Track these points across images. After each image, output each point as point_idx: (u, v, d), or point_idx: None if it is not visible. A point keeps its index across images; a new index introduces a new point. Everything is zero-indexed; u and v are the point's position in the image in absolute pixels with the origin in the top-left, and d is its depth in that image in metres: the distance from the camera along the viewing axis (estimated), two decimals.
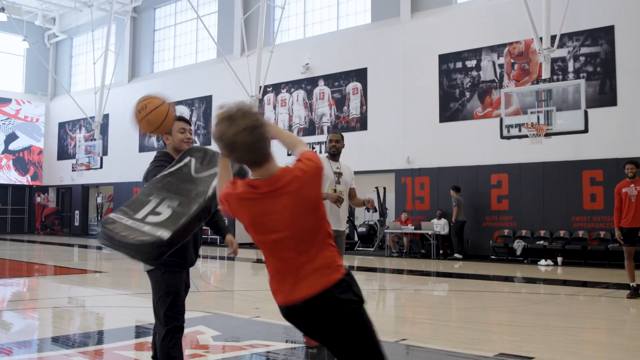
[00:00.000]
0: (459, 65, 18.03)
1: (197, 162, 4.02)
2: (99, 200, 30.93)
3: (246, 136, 2.73)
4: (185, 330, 6.57)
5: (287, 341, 6.41)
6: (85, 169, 26.28)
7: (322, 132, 20.92)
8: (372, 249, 19.57)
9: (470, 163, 17.61)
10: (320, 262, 2.76)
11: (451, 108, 18.10)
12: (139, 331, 7.07)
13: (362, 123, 20.07)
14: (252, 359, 5.66)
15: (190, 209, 3.70)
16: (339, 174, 6.56)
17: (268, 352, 5.89)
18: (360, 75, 20.23)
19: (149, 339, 6.40)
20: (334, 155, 6.64)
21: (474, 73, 17.75)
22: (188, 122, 4.52)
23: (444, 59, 18.35)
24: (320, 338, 2.84)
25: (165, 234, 3.50)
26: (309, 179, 2.87)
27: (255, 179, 2.83)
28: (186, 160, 4.02)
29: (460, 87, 17.97)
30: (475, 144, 17.50)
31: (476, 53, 17.74)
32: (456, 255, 17.11)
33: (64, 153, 32.87)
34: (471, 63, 17.80)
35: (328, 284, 2.71)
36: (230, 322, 7.27)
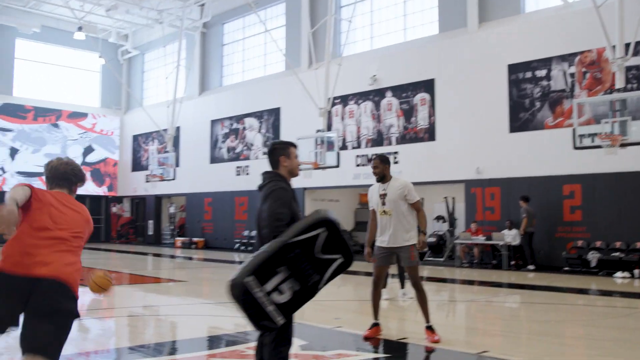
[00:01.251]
0: (529, 75, 17.90)
1: (326, 238, 4.19)
2: (172, 210, 31.85)
3: None
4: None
5: (373, 351, 6.61)
6: (159, 180, 27.16)
7: (390, 143, 21.06)
8: (442, 259, 19.57)
9: (541, 173, 17.44)
10: None
11: (521, 118, 17.98)
12: (213, 341, 7.35)
13: (430, 134, 20.13)
14: None
15: (304, 299, 4.13)
16: (383, 196, 7.10)
17: None
18: (428, 86, 20.30)
19: (223, 349, 6.71)
20: (380, 179, 7.16)
21: (544, 83, 17.59)
22: None
23: (513, 68, 18.26)
24: None
25: (281, 321, 4.00)
26: None
27: None
28: (319, 230, 4.16)
29: (530, 97, 17.84)
30: (547, 154, 17.32)
31: (546, 62, 17.59)
32: (529, 266, 16.94)
33: (137, 165, 34.01)
34: (541, 72, 17.65)
35: None
36: (314, 332, 7.51)
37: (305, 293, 4.11)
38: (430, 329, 7.00)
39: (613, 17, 14.42)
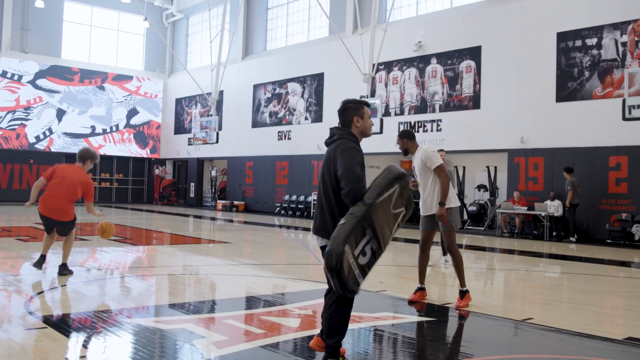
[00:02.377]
0: (579, 43, 17.52)
1: (398, 193, 4.30)
2: (214, 173, 32.26)
3: None
4: (319, 300, 7.02)
5: (416, 314, 6.71)
6: (202, 144, 27.48)
7: (433, 111, 20.91)
8: (482, 229, 19.51)
9: (587, 144, 17.17)
10: None
11: (569, 87, 17.65)
12: (253, 301, 7.50)
13: (475, 102, 19.92)
14: (386, 330, 5.99)
15: (378, 257, 4.24)
16: (413, 168, 7.32)
17: (401, 323, 6.22)
18: (474, 53, 20.03)
19: (260, 310, 6.86)
20: (406, 153, 7.25)
21: (595, 51, 17.20)
22: None
23: (562, 36, 17.88)
24: None
25: (358, 290, 4.13)
26: None
27: None
28: (395, 187, 4.28)
29: (579, 66, 17.48)
30: (594, 124, 17.03)
31: (597, 31, 17.17)
32: (571, 238, 16.81)
33: (180, 127, 34.42)
34: (592, 41, 17.25)
35: None
36: (358, 295, 7.61)
37: (380, 251, 4.22)
38: (462, 293, 7.06)
39: None
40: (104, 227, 8.62)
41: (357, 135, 4.58)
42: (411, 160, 7.34)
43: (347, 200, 4.23)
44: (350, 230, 4.03)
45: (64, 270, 8.61)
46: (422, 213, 7.28)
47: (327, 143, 4.56)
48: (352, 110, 4.57)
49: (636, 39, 16.44)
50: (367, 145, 21.74)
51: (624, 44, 16.67)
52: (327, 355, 4.44)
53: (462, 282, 7.12)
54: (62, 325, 5.75)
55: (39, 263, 8.65)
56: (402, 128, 21.92)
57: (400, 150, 7.28)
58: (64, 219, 8.58)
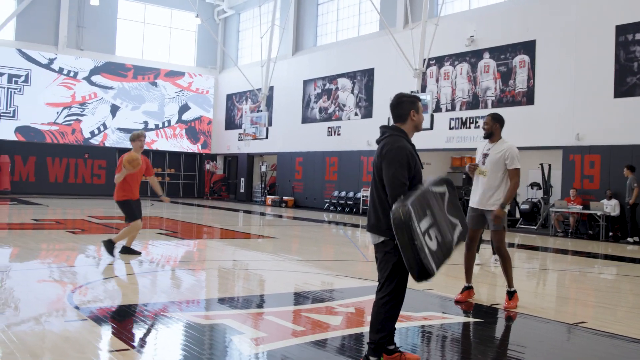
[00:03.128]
0: (639, 36, 16.88)
1: (449, 199, 4.23)
2: (263, 168, 32.39)
3: None
4: (364, 298, 6.90)
5: (463, 315, 6.53)
6: (252, 139, 27.62)
7: (486, 106, 20.48)
8: (535, 227, 19.03)
9: None
10: None
11: (628, 82, 17.03)
12: (298, 297, 7.43)
13: (528, 97, 19.42)
14: (433, 331, 5.83)
15: (446, 255, 4.11)
16: (486, 155, 6.98)
17: (447, 323, 6.04)
18: (528, 47, 19.52)
19: (302, 307, 6.77)
20: (488, 136, 7.03)
21: None
22: None
23: (621, 29, 17.25)
24: None
25: (433, 270, 3.93)
26: None
27: None
28: (444, 188, 4.23)
29: (639, 60, 16.84)
30: None
31: None
32: (629, 239, 16.22)
33: (231, 123, 34.68)
34: None
35: None
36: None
37: (446, 248, 4.09)
38: (508, 294, 6.84)
39: None
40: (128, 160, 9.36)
41: (410, 131, 4.52)
42: (483, 152, 7.06)
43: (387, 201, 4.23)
44: (413, 199, 3.92)
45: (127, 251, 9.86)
46: (472, 204, 7.01)
47: (378, 141, 4.49)
48: (408, 103, 4.49)
49: None
50: (417, 141, 21.49)
51: None
52: (369, 352, 4.33)
53: (510, 283, 6.90)
54: (102, 317, 5.77)
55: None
56: (452, 124, 21.55)
57: (484, 131, 7.07)
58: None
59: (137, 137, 9.82)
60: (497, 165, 6.84)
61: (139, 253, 9.96)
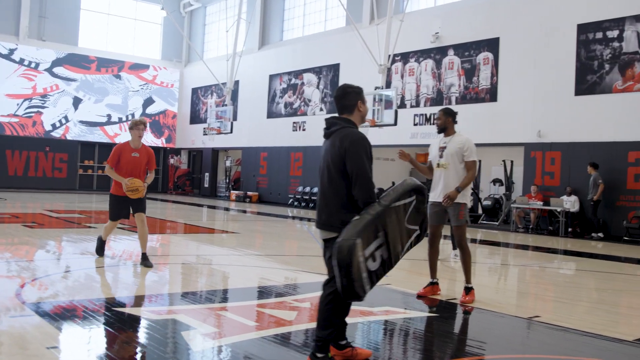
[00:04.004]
0: (599, 35, 17.11)
1: (414, 206, 4.12)
2: (228, 163, 32.16)
3: None
4: (320, 293, 6.84)
5: (420, 310, 6.51)
6: (216, 134, 27.39)
7: (449, 103, 20.59)
8: (497, 223, 19.21)
9: (606, 139, 16.79)
10: None
11: (588, 81, 17.26)
12: (262, 292, 7.37)
13: (491, 94, 19.57)
14: (390, 325, 5.80)
15: (387, 269, 4.04)
16: (443, 149, 7.03)
17: (405, 318, 6.02)
18: (492, 45, 19.67)
19: (272, 300, 6.71)
20: (442, 130, 7.14)
21: (616, 44, 16.79)
22: None
23: (582, 28, 17.47)
24: None
25: (369, 290, 3.91)
26: None
27: None
28: (411, 199, 4.11)
29: (600, 59, 17.08)
30: (613, 119, 16.64)
31: (619, 23, 16.75)
32: (593, 234, 16.44)
33: (196, 117, 34.36)
34: (613, 33, 16.83)
35: None
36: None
37: (389, 263, 4.01)
38: (465, 289, 6.87)
39: None
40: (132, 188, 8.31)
41: (358, 122, 4.38)
42: (439, 146, 7.07)
43: (360, 202, 4.06)
44: (364, 226, 3.85)
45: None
46: (433, 198, 6.98)
47: (328, 134, 4.33)
48: (354, 94, 4.37)
49: None
50: (381, 137, 21.58)
51: None
52: (316, 349, 4.21)
53: (468, 279, 6.92)
54: (51, 313, 5.61)
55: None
56: (417, 121, 21.63)
57: (436, 126, 7.15)
58: None
59: (135, 124, 8.43)
60: (457, 157, 6.89)
61: (101, 254, 9.03)
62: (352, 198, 4.11)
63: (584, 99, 17.32)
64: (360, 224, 3.85)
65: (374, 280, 3.93)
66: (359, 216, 3.93)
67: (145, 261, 8.44)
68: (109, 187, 9.07)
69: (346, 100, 4.36)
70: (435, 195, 7.00)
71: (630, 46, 16.54)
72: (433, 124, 20.88)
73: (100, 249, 8.96)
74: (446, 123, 7.07)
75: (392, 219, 3.97)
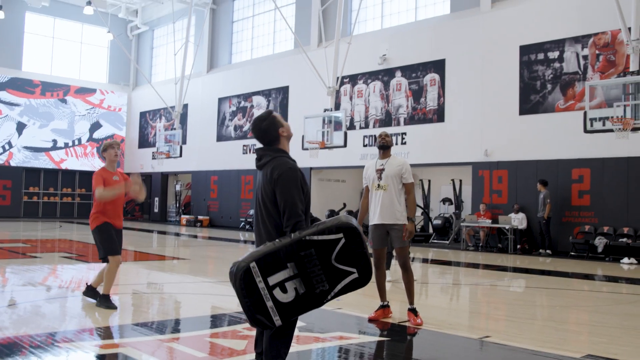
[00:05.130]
0: (541, 56, 17.59)
1: (343, 247, 3.88)
2: (178, 187, 31.79)
3: None
4: None
5: (373, 334, 6.49)
6: (165, 158, 27.07)
7: (398, 124, 20.83)
8: (447, 242, 19.41)
9: (550, 157, 17.20)
10: None
11: (532, 100, 17.70)
12: (214, 320, 7.25)
13: (439, 115, 19.88)
14: (343, 351, 5.75)
15: (308, 306, 3.82)
16: (381, 171, 7.05)
17: (358, 344, 5.98)
18: (438, 66, 20.02)
19: (224, 329, 6.60)
20: (384, 148, 7.14)
21: (557, 65, 17.29)
22: None
23: (525, 50, 17.95)
24: None
25: (278, 322, 3.75)
26: None
27: None
28: (337, 236, 3.87)
29: (542, 79, 17.54)
30: (557, 137, 17.07)
31: (559, 44, 17.27)
32: (541, 251, 16.75)
33: (144, 141, 33.92)
34: (554, 54, 17.34)
35: None
36: (314, 313, 7.33)
37: (310, 299, 3.82)
38: (413, 311, 6.91)
39: None
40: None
41: (287, 146, 4.27)
42: (376, 168, 7.11)
43: (288, 233, 3.93)
44: (265, 253, 3.73)
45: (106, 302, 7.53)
46: (374, 221, 7.01)
47: (259, 166, 4.23)
48: (271, 126, 4.21)
49: (597, 52, 16.55)
50: (331, 159, 21.55)
51: (585, 57, 16.78)
52: None
53: (411, 300, 6.96)
54: None
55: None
56: (366, 142, 21.79)
57: (382, 145, 7.15)
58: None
59: (109, 145, 7.72)
60: (396, 179, 6.97)
61: (114, 307, 7.50)
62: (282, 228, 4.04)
63: (528, 118, 17.74)
64: (263, 249, 3.77)
65: (287, 312, 3.77)
66: (269, 243, 3.85)
67: (107, 302, 7.48)
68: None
69: (268, 136, 4.23)
70: (376, 217, 7.02)
71: (570, 67, 17.04)
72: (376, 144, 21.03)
73: (93, 294, 7.84)
74: (389, 144, 7.20)
75: (308, 252, 3.80)
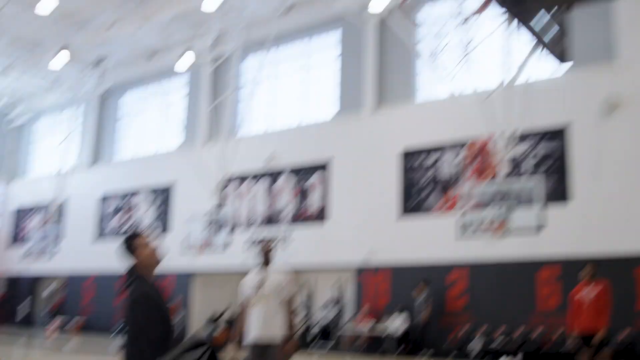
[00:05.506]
0: (420, 160, 18.21)
1: None
2: (50, 290, 29.70)
3: None
4: None
5: None
6: (37, 257, 25.47)
7: (282, 225, 20.69)
8: (329, 347, 18.96)
9: (429, 258, 17.47)
10: None
11: (411, 203, 18.14)
12: None
13: (322, 216, 19.95)
14: None
15: None
16: (261, 283, 6.67)
17: None
18: (322, 168, 20.28)
19: None
20: (266, 259, 6.84)
21: (435, 169, 17.92)
22: None
23: (405, 153, 18.54)
24: None
25: None
26: None
27: None
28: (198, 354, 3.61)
29: (421, 183, 18.09)
30: (434, 239, 17.45)
31: (437, 149, 17.98)
32: (424, 351, 16.68)
33: (16, 239, 31.82)
34: (432, 159, 18.00)
35: None
36: None
37: None
38: None
39: (498, 109, 14.99)
40: None
41: (146, 266, 4.19)
42: (257, 281, 6.74)
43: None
44: None
45: None
46: (252, 341, 6.52)
47: (126, 287, 4.13)
48: (131, 247, 4.26)
49: (471, 157, 17.33)
50: (215, 261, 20.95)
51: (460, 162, 17.49)
52: None
53: None
54: None
55: None
56: (251, 243, 21.46)
57: (266, 255, 6.86)
58: None
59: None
60: (278, 290, 6.63)
61: None
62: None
63: (408, 220, 18.10)
64: None
65: None
66: None
67: None
68: None
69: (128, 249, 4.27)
70: (255, 335, 6.54)
71: (447, 171, 17.73)
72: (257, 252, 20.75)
73: None
74: (272, 252, 6.87)
75: None
